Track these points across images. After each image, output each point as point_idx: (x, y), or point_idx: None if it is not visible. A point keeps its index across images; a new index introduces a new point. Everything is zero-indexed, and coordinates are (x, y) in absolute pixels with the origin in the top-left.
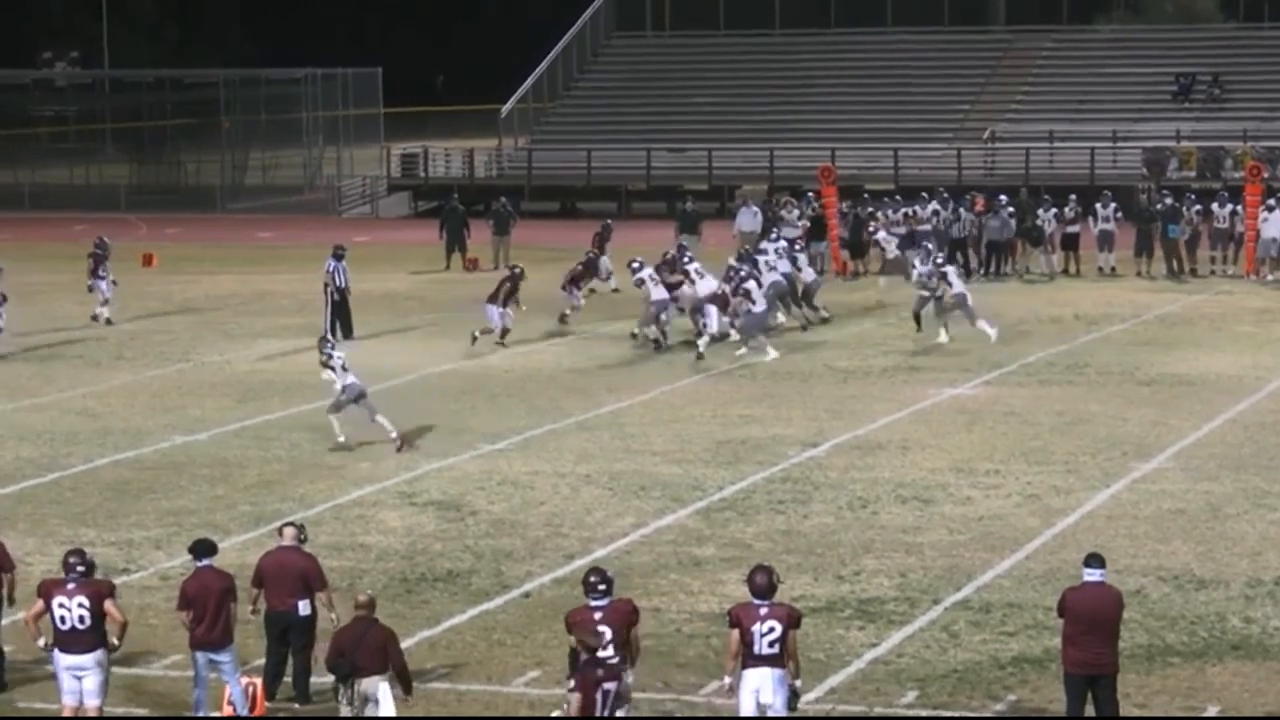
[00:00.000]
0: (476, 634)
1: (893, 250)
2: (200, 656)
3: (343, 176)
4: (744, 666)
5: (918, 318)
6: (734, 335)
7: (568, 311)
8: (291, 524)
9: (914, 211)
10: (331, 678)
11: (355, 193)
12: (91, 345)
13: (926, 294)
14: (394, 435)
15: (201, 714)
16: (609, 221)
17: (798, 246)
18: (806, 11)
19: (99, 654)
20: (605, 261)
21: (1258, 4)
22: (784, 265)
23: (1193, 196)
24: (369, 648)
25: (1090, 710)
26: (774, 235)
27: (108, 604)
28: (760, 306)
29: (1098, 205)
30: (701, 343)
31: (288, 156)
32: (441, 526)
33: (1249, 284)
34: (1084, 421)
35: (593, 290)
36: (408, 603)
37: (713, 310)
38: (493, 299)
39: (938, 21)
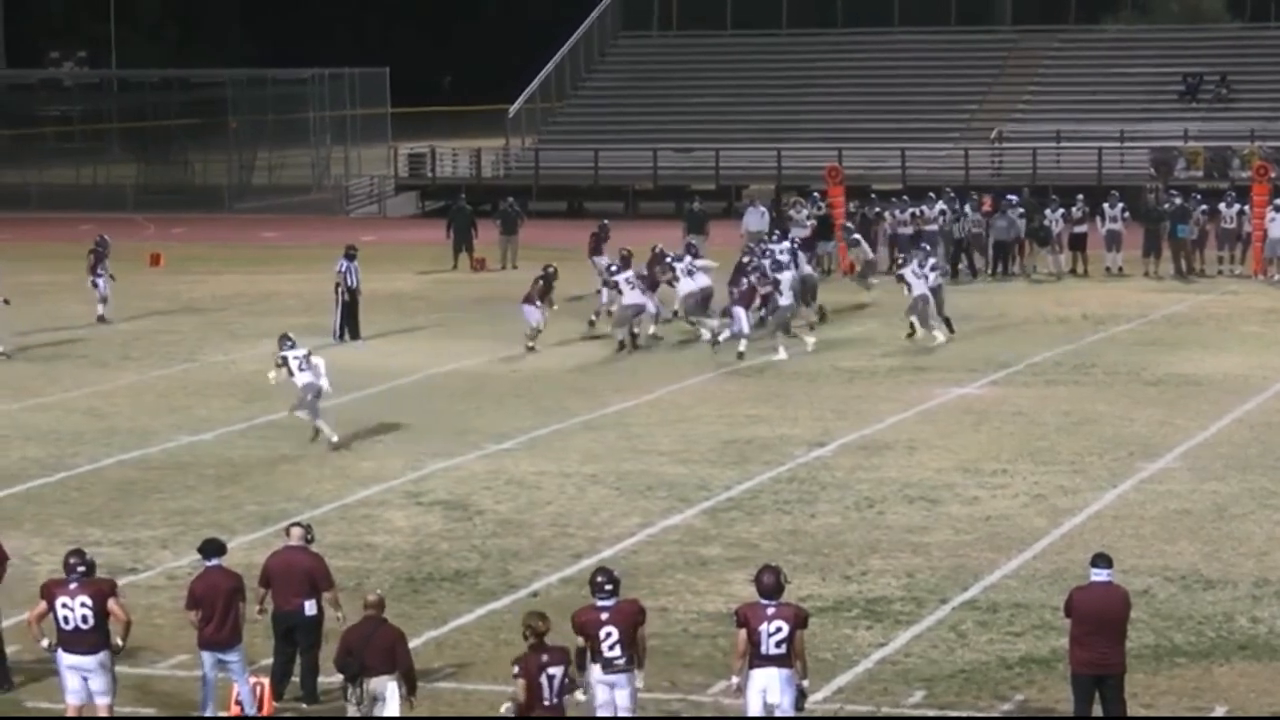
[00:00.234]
0: (483, 634)
1: (868, 252)
2: (208, 656)
3: (350, 176)
4: (751, 666)
5: (913, 324)
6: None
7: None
8: (298, 524)
9: (921, 211)
10: (339, 677)
11: (362, 192)
12: (97, 345)
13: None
14: (334, 440)
15: (209, 714)
16: (605, 222)
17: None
18: (813, 11)
19: (103, 655)
20: (603, 262)
21: (1265, 4)
22: (786, 274)
23: (1198, 197)
24: (377, 647)
25: (1097, 710)
26: (776, 235)
27: (111, 603)
28: (787, 300)
29: (1105, 205)
30: (734, 341)
31: (295, 156)
32: (448, 526)
33: (1256, 284)
34: (1091, 421)
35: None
36: (414, 602)
37: (740, 312)
38: (529, 299)
39: (944, 21)
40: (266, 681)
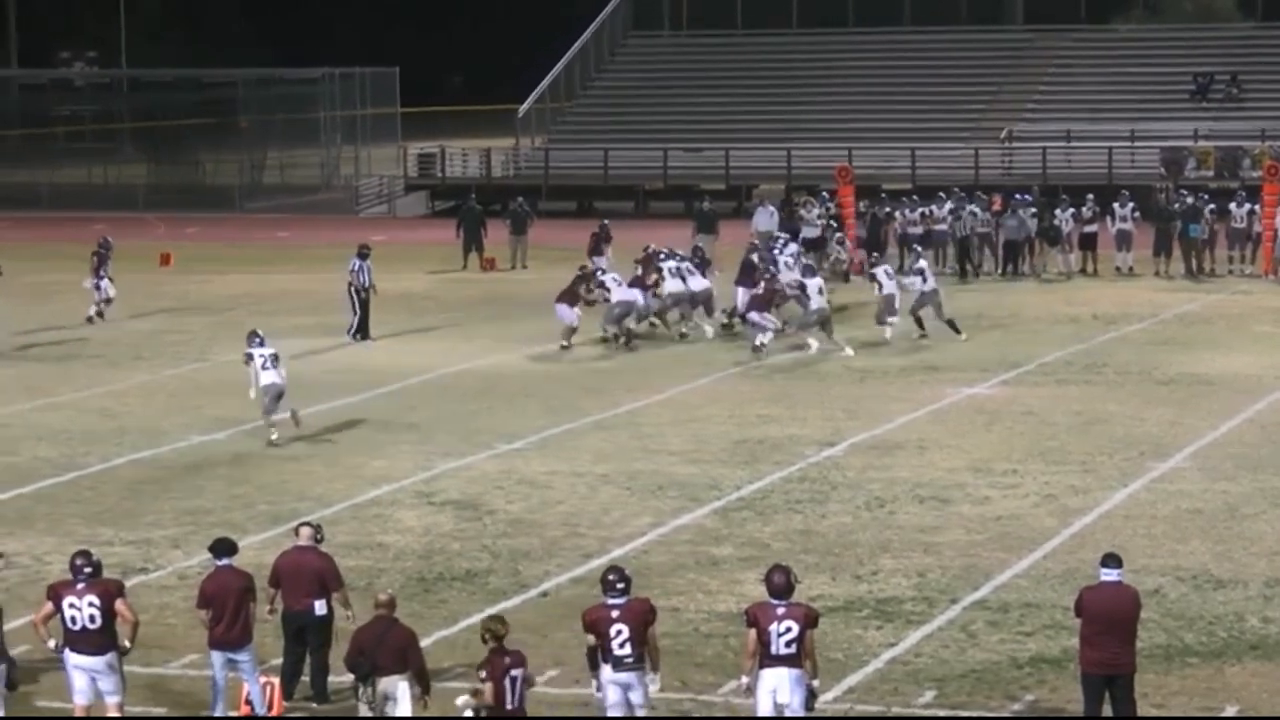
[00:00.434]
0: None
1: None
2: (218, 656)
3: (360, 176)
4: (761, 666)
5: (919, 321)
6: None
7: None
8: (308, 524)
9: (930, 211)
10: (349, 677)
11: (372, 192)
12: (109, 345)
13: (917, 294)
14: (290, 416)
15: (219, 713)
16: (605, 222)
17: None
18: (824, 10)
19: (110, 655)
20: (602, 263)
21: (1276, 3)
22: (789, 274)
23: (1206, 196)
24: (389, 647)
25: (1108, 710)
26: (783, 240)
27: (119, 604)
28: (817, 303)
29: (1115, 205)
30: (758, 341)
31: (305, 156)
32: (459, 526)
33: (1266, 283)
34: (1101, 421)
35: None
36: (425, 602)
37: (757, 317)
38: (563, 299)
39: (955, 21)
40: (277, 681)
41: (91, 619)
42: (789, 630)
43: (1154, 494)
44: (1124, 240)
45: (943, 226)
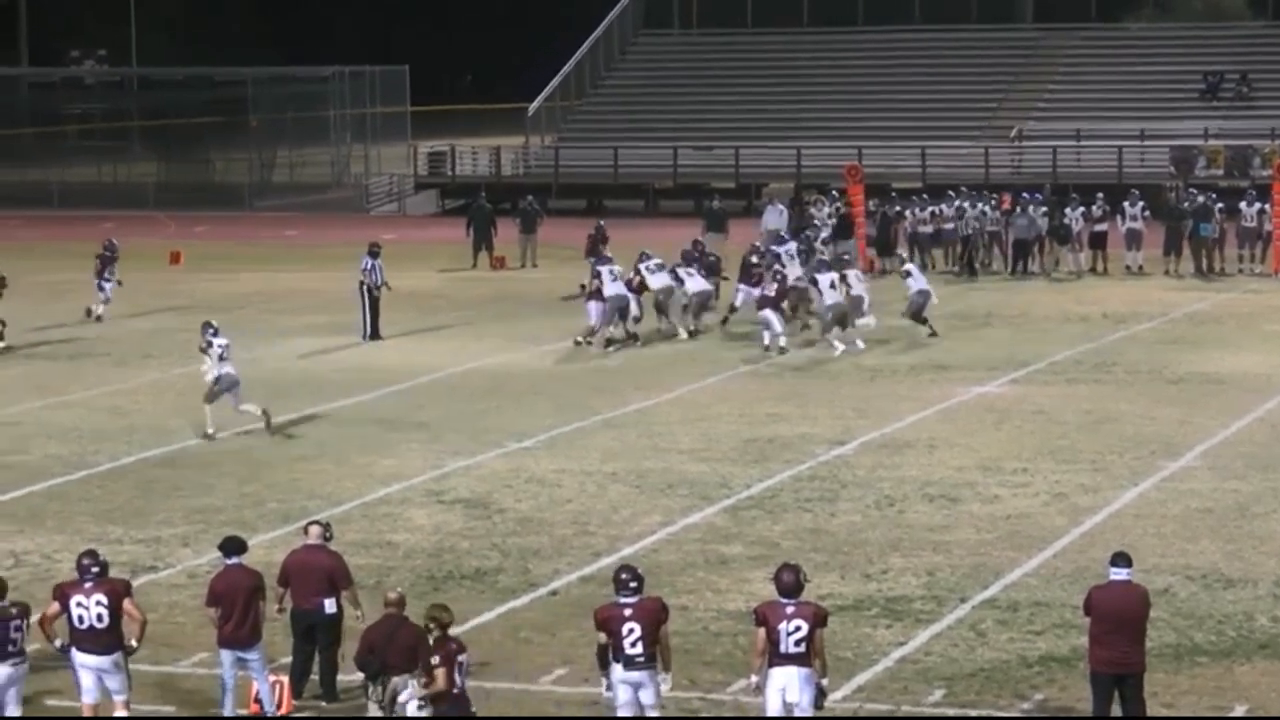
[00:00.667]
0: (503, 632)
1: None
2: (228, 654)
3: (370, 174)
4: (770, 665)
5: (923, 320)
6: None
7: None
8: (317, 522)
9: (940, 210)
10: (359, 675)
11: (382, 191)
12: (119, 343)
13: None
14: (259, 412)
15: (229, 712)
16: (601, 223)
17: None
18: (834, 9)
19: (118, 655)
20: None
21: None
22: (795, 269)
23: (1214, 196)
24: (399, 646)
25: (1117, 709)
26: (787, 238)
27: (126, 603)
28: (831, 299)
29: (1125, 204)
30: (768, 339)
31: (315, 154)
32: (468, 524)
33: (1277, 282)
34: (1111, 420)
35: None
36: (435, 600)
37: (769, 315)
38: (592, 296)
39: (966, 19)
40: (286, 680)
41: (99, 618)
42: (798, 629)
43: (1164, 493)
44: (1134, 239)
45: (951, 226)
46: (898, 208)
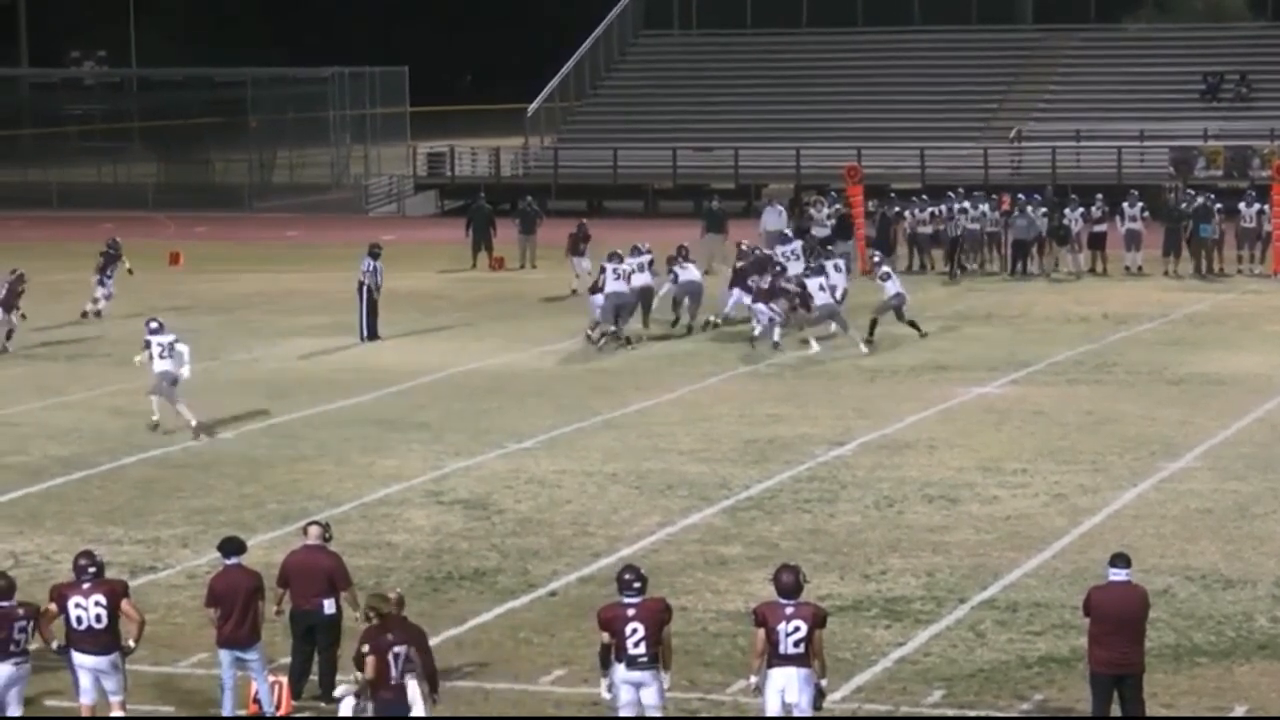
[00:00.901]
0: (503, 632)
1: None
2: (227, 655)
3: (369, 175)
4: (769, 666)
5: (913, 323)
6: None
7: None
8: (316, 523)
9: (940, 211)
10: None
11: (382, 191)
12: (119, 344)
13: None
14: (193, 423)
15: (228, 712)
16: (584, 222)
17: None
18: (834, 10)
19: (115, 655)
20: (583, 263)
21: None
22: (796, 267)
23: (1213, 196)
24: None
25: (1117, 710)
26: (790, 237)
27: (124, 604)
28: (821, 299)
29: (1124, 205)
30: (757, 330)
31: (315, 155)
32: (468, 525)
33: (1276, 283)
34: (1111, 421)
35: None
36: (434, 601)
37: (761, 307)
38: (595, 291)
39: (965, 20)
40: (285, 680)
41: (98, 619)
42: (797, 630)
43: (1164, 494)
44: (1133, 240)
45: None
46: (897, 208)
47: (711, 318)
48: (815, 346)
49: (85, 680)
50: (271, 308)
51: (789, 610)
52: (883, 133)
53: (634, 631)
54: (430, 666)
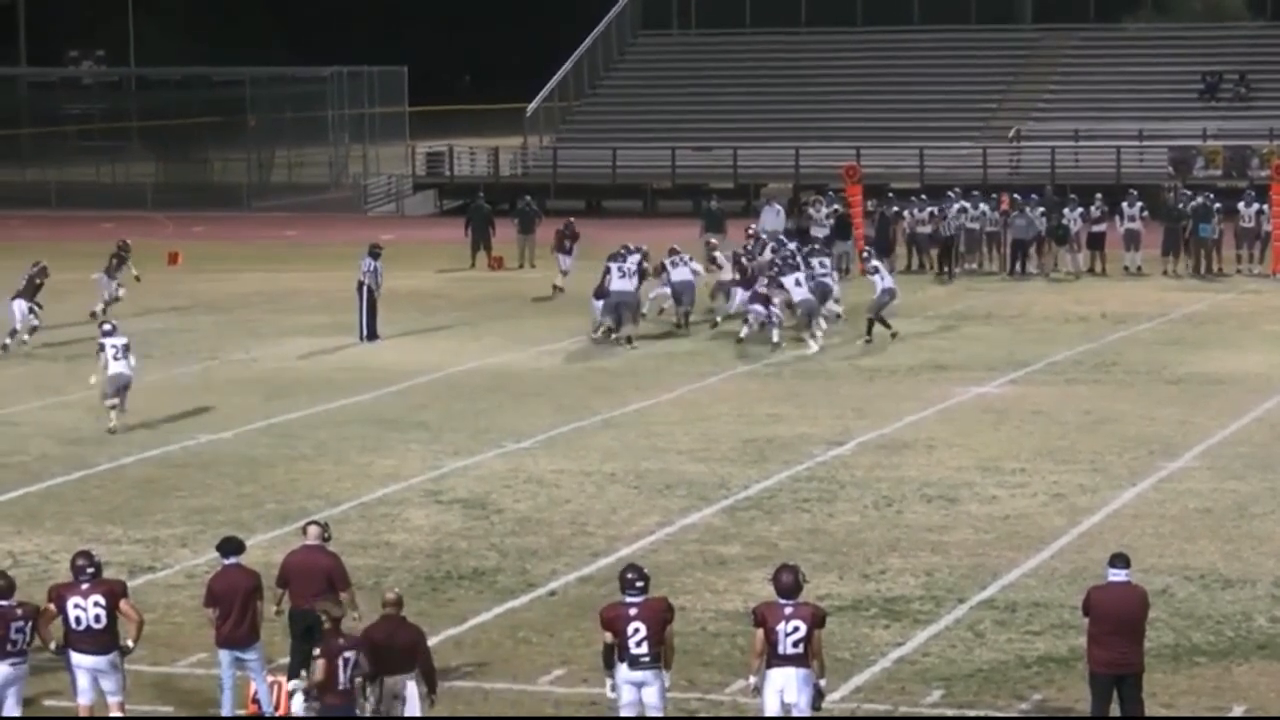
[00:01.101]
0: (502, 632)
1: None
2: (226, 654)
3: (368, 175)
4: (768, 666)
5: (884, 322)
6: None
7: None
8: (315, 523)
9: (939, 210)
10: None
11: (381, 191)
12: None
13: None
14: (114, 423)
15: (227, 712)
16: (571, 220)
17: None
18: (832, 9)
19: (114, 655)
20: (569, 261)
21: None
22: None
23: (1212, 196)
24: (398, 646)
25: (1116, 710)
26: (784, 237)
27: (123, 604)
28: (800, 295)
29: (1123, 204)
30: (744, 333)
31: (313, 155)
32: (467, 525)
33: (1275, 283)
34: (1110, 420)
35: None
36: (433, 601)
37: (758, 307)
38: (600, 293)
39: (964, 20)
40: (284, 680)
41: (97, 619)
42: (796, 630)
43: (1163, 493)
44: (1132, 240)
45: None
46: (896, 208)
47: (717, 319)
48: (814, 346)
49: (83, 680)
50: (270, 307)
51: (788, 610)
52: (881, 132)
53: (636, 631)
54: (429, 666)
